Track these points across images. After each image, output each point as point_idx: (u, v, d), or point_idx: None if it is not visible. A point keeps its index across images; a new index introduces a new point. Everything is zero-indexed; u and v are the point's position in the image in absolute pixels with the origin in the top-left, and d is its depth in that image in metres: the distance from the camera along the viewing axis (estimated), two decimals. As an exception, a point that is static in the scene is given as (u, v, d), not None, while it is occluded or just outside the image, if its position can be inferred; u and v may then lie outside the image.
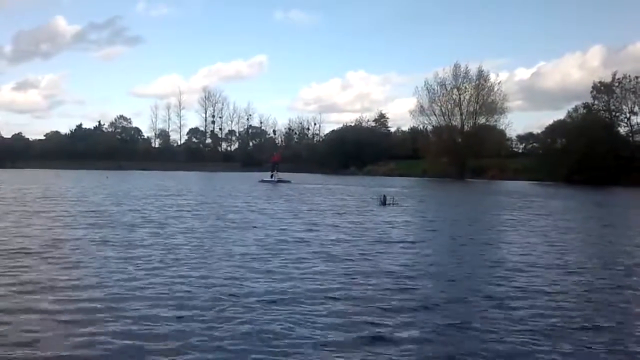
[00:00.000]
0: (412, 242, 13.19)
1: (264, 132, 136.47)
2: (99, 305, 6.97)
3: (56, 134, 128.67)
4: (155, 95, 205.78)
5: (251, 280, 8.56)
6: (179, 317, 6.53)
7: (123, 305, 7.01)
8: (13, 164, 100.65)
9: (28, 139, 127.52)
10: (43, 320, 6.36)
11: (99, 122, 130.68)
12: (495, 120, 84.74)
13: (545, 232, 16.15)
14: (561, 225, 18.22)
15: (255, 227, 15.36)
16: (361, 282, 8.66)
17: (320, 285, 8.33)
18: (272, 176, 51.15)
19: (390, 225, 16.80)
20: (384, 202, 26.31)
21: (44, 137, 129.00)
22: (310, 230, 14.92)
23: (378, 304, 7.35)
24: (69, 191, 31.37)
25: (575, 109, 76.31)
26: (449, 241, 14.08)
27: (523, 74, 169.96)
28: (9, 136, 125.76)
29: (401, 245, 12.73)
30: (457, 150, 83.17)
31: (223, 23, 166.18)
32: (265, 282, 8.45)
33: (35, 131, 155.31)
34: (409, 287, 8.37)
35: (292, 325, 6.30)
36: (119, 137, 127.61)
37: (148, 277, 8.59)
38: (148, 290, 7.81)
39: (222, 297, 7.50)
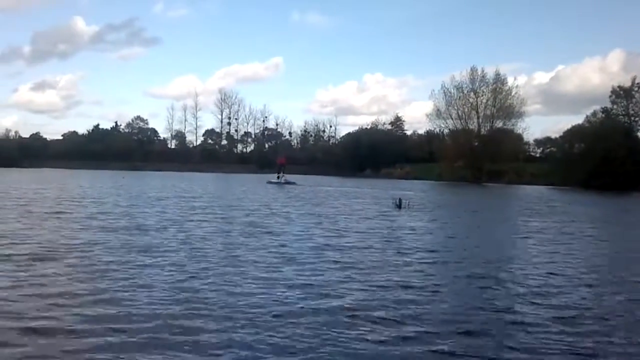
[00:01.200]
0: (431, 251, 12.82)
1: (279, 134, 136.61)
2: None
3: (74, 134, 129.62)
4: (172, 96, 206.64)
5: (263, 292, 8.41)
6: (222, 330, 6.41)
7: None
8: (31, 163, 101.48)
9: (46, 139, 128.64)
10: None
11: (116, 122, 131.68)
12: (513, 124, 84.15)
13: (575, 240, 15.77)
14: (593, 234, 17.77)
15: (272, 232, 15.15)
16: (380, 293, 8.48)
17: (341, 298, 8.16)
18: (278, 177, 53.53)
19: (408, 232, 16.48)
20: (399, 206, 26.16)
21: (61, 137, 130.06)
22: (328, 236, 14.66)
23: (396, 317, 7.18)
24: (87, 192, 31.46)
25: (594, 114, 75.68)
26: (470, 249, 13.57)
27: (542, 77, 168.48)
28: (27, 136, 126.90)
29: (420, 254, 12.34)
30: (474, 154, 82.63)
31: (240, 25, 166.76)
32: (281, 293, 8.28)
33: (53, 131, 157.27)
34: (431, 300, 8.13)
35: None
36: (135, 137, 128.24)
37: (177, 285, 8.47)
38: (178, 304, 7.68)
39: (250, 306, 7.38)
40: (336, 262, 10.84)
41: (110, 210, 20.02)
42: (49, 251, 10.97)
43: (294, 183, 51.54)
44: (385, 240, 14.16)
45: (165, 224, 16.35)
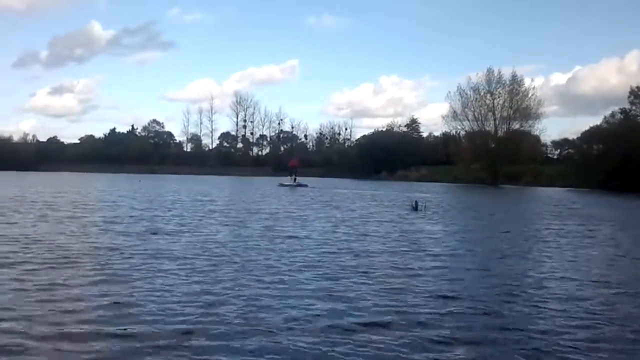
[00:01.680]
0: (451, 255, 12.55)
1: (295, 137, 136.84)
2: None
3: (90, 137, 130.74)
4: (188, 100, 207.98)
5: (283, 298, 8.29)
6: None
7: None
8: (48, 167, 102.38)
9: (63, 142, 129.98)
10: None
11: (132, 126, 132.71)
12: (530, 126, 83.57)
13: (598, 244, 15.46)
14: (617, 237, 17.37)
15: (290, 236, 14.91)
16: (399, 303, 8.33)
17: (362, 306, 8.02)
18: (291, 179, 55.67)
19: (426, 235, 16.22)
20: (415, 208, 26.06)
21: (78, 141, 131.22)
22: (346, 240, 14.48)
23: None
24: (103, 196, 31.61)
25: (612, 115, 74.67)
26: (490, 253, 13.28)
27: (559, 78, 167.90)
28: (45, 140, 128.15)
29: (441, 258, 12.13)
30: (491, 155, 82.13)
31: (255, 28, 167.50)
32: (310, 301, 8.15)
33: (70, 135, 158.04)
34: (451, 311, 7.92)
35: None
36: (151, 141, 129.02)
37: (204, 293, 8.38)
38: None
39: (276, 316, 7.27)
40: (354, 268, 10.71)
41: (127, 214, 20.03)
42: (65, 257, 10.89)
43: (305, 185, 52.71)
44: (403, 245, 13.92)
45: (182, 228, 16.28)
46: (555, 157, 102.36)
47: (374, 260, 11.47)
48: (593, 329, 6.91)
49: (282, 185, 53.70)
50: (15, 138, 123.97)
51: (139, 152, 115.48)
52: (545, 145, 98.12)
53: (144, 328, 6.38)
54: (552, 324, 7.06)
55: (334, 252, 12.33)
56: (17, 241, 12.62)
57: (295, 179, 55.64)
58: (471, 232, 17.82)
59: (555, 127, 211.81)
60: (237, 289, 8.42)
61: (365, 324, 6.74)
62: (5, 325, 6.36)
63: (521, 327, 6.85)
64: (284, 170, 79.01)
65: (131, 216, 19.24)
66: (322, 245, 13.30)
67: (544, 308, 7.84)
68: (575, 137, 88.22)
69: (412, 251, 12.82)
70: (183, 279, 9.02)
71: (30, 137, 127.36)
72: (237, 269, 10.06)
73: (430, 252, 12.71)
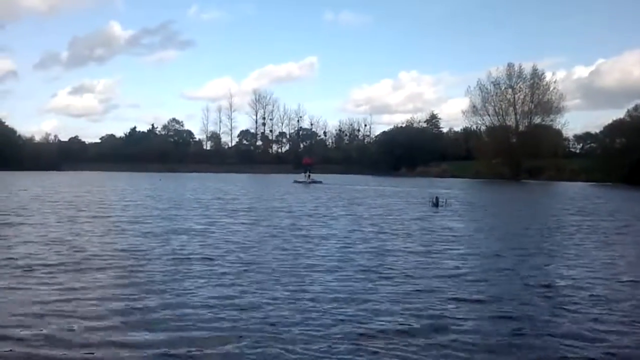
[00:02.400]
0: (475, 255, 12.27)
1: (314, 134, 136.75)
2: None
3: (111, 137, 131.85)
4: (207, 98, 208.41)
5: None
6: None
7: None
8: (70, 166, 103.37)
9: (84, 142, 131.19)
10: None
11: (152, 125, 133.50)
12: (551, 120, 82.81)
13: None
14: None
15: (313, 236, 14.68)
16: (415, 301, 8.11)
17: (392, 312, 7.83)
18: (307, 177, 56.61)
19: (449, 234, 15.86)
20: (436, 204, 25.85)
21: (99, 140, 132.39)
22: (367, 240, 14.29)
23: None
24: (126, 195, 31.72)
25: (636, 108, 73.43)
26: (518, 254, 12.68)
27: (581, 72, 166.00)
28: (66, 140, 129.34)
29: (465, 257, 11.85)
30: (512, 150, 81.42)
31: (274, 25, 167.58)
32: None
33: (91, 134, 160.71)
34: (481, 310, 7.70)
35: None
36: (171, 139, 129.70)
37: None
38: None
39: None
40: (376, 269, 10.46)
41: (150, 214, 19.98)
42: (92, 258, 10.81)
43: (320, 182, 53.61)
44: (424, 244, 13.66)
45: (207, 228, 16.15)
46: (577, 151, 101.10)
47: (395, 260, 11.21)
48: (630, 335, 6.49)
49: (296, 182, 54.58)
50: (38, 138, 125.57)
51: (159, 151, 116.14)
52: (567, 139, 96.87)
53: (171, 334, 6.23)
54: (582, 328, 6.69)
55: (356, 252, 12.10)
56: (47, 243, 12.56)
57: (309, 176, 56.45)
58: (495, 230, 17.42)
59: (578, 121, 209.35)
60: (257, 292, 8.21)
61: (385, 331, 6.49)
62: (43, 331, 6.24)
63: (549, 333, 6.52)
64: (301, 167, 79.68)
65: (155, 216, 19.19)
66: (343, 246, 13.06)
67: (574, 312, 7.47)
68: (597, 131, 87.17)
69: (434, 251, 12.48)
70: (211, 282, 8.84)
71: (52, 137, 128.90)
72: (259, 271, 9.84)
73: (453, 252, 12.42)
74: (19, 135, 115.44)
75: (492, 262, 11.33)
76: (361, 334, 6.33)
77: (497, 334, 6.45)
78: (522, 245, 13.84)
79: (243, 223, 17.56)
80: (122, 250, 11.85)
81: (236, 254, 11.66)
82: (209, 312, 7.11)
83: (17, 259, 10.47)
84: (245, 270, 9.86)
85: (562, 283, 9.29)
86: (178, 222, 17.39)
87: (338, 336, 6.26)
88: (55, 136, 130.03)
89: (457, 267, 10.54)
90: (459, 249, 12.84)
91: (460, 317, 7.11)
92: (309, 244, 13.31)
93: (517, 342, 6.20)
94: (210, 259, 10.91)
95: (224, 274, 9.54)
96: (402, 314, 7.23)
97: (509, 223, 19.78)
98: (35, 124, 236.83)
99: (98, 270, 9.68)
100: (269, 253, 11.86)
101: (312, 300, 7.82)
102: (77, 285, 8.47)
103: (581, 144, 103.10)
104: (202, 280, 8.97)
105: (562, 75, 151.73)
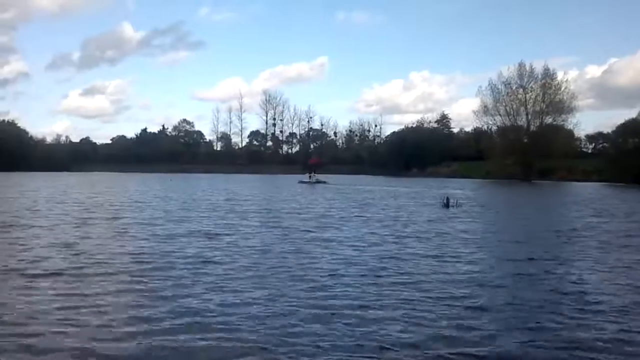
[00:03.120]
0: (488, 259, 12.08)
1: (324, 135, 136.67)
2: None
3: (122, 138, 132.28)
4: (218, 99, 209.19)
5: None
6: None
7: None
8: (81, 167, 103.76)
9: (95, 143, 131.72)
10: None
11: (163, 126, 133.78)
12: (563, 120, 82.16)
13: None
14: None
15: (324, 240, 14.39)
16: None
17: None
18: (310, 177, 58.27)
19: (460, 236, 15.56)
20: (447, 205, 25.74)
21: (110, 142, 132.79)
22: (378, 243, 14.09)
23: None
24: (138, 196, 31.67)
25: (649, 107, 72.90)
26: (533, 258, 12.31)
27: (594, 71, 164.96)
28: (78, 141, 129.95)
29: (478, 261, 11.66)
30: (523, 150, 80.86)
31: (285, 26, 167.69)
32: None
33: (102, 135, 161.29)
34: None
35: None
36: (182, 140, 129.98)
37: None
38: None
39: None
40: (387, 274, 10.24)
41: (164, 217, 19.78)
42: (100, 263, 10.66)
43: (324, 182, 54.82)
44: (435, 247, 13.39)
45: (221, 231, 15.91)
46: (589, 151, 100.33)
47: (405, 265, 10.93)
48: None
49: (301, 182, 55.98)
50: (49, 139, 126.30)
51: (170, 152, 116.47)
52: (579, 139, 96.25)
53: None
54: (604, 338, 6.40)
55: (371, 257, 11.83)
56: (54, 246, 12.44)
57: (313, 176, 57.98)
58: (509, 233, 17.09)
59: (591, 120, 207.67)
60: (274, 299, 8.02)
61: (394, 344, 6.18)
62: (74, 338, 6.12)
63: (568, 344, 6.24)
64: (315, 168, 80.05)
65: (166, 218, 19.00)
66: (357, 250, 12.80)
67: (594, 320, 7.17)
68: (610, 130, 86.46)
69: (445, 255, 12.20)
70: (225, 287, 8.66)
71: (63, 138, 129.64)
72: (269, 275, 9.69)
73: (465, 256, 12.10)
74: (31, 137, 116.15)
75: (506, 266, 11.03)
76: (380, 347, 6.09)
77: (514, 344, 6.19)
78: (539, 248, 13.47)
79: (255, 226, 17.34)
80: (132, 254, 11.67)
81: (251, 259, 11.43)
82: (226, 319, 6.97)
83: (25, 262, 10.40)
84: (261, 276, 9.66)
85: (584, 289, 8.93)
86: (190, 225, 17.20)
87: (356, 344, 6.11)
88: (67, 137, 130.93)
89: (470, 272, 10.24)
90: (471, 253, 12.52)
91: (475, 327, 6.83)
92: (322, 248, 13.06)
93: (534, 353, 5.95)
94: (221, 264, 10.69)
95: (236, 279, 9.34)
96: (414, 323, 6.98)
97: (523, 225, 19.38)
98: (46, 125, 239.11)
99: (107, 275, 9.51)
100: (285, 258, 11.58)
101: (329, 307, 7.62)
102: (87, 292, 8.30)
103: (593, 144, 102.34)
104: (216, 285, 8.79)
105: (575, 74, 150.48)
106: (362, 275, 9.82)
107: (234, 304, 7.74)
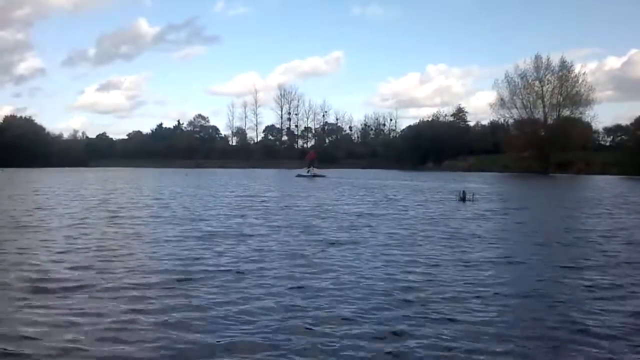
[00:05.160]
0: (506, 261, 11.48)
1: (340, 129, 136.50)
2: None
3: (138, 133, 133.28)
4: (233, 94, 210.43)
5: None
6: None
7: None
8: (97, 163, 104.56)
9: (112, 138, 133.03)
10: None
11: (178, 121, 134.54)
12: (581, 113, 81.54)
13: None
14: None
15: (334, 242, 13.67)
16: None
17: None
18: (308, 171, 60.20)
19: (478, 234, 15.04)
20: (463, 199, 25.71)
21: (126, 137, 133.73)
22: (391, 245, 13.58)
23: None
24: (155, 192, 31.65)
25: (669, 99, 72.00)
26: (555, 261, 11.90)
27: (614, 62, 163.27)
28: (94, 136, 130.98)
29: (497, 264, 11.16)
30: (541, 144, 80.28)
31: (300, 20, 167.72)
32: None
33: (118, 131, 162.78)
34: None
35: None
36: (197, 135, 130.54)
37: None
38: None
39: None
40: (398, 280, 9.85)
41: (184, 215, 19.30)
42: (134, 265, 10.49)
43: (323, 176, 57.00)
44: (451, 247, 12.85)
45: (242, 231, 15.17)
46: (607, 144, 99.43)
47: (417, 271, 10.31)
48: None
49: (300, 176, 58.08)
50: (66, 135, 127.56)
51: (185, 147, 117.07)
52: (597, 132, 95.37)
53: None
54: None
55: (379, 261, 11.09)
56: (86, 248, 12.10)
57: (311, 170, 60.18)
58: (526, 231, 16.20)
59: (610, 112, 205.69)
60: (305, 308, 7.75)
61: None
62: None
63: None
64: (330, 162, 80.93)
65: (186, 218, 18.60)
66: (367, 252, 12.16)
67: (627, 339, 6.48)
68: (629, 123, 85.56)
69: (462, 260, 11.45)
70: (251, 297, 8.31)
71: (80, 134, 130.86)
72: (281, 277, 9.37)
73: (482, 258, 11.30)
74: (48, 133, 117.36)
75: (525, 270, 10.34)
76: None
77: None
78: (559, 249, 12.81)
79: (278, 227, 16.47)
80: (168, 255, 11.32)
81: (276, 262, 10.83)
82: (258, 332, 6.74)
83: (39, 265, 10.13)
84: (291, 288, 9.22)
85: (608, 301, 7.95)
86: (211, 225, 16.54)
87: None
88: (83, 133, 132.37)
89: (487, 277, 9.42)
90: (489, 254, 11.82)
91: (491, 349, 6.02)
92: (328, 251, 12.41)
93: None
94: (242, 272, 9.81)
95: (260, 285, 8.94)
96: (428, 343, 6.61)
97: (542, 222, 18.95)
98: (63, 121, 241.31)
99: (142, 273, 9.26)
100: (315, 264, 10.99)
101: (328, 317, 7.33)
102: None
103: (611, 137, 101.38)
104: (245, 295, 8.32)
105: (594, 66, 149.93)
106: (393, 284, 9.52)
107: (262, 312, 7.58)
